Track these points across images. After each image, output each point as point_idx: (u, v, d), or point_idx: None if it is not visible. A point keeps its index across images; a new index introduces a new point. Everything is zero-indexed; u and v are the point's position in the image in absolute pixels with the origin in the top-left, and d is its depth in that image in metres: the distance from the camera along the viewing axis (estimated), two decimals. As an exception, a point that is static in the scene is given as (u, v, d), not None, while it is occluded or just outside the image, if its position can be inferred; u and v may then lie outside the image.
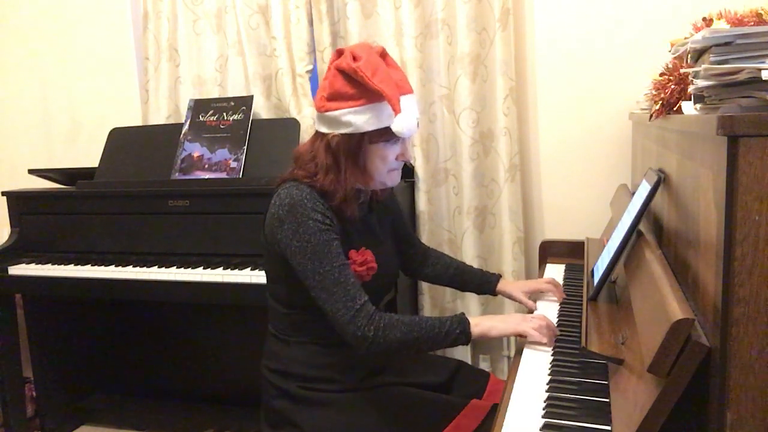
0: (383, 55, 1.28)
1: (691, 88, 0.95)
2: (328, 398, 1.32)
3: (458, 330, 1.24)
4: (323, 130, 1.29)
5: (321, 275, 1.21)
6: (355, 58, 1.22)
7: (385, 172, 1.31)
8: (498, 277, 1.61)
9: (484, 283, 1.61)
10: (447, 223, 2.25)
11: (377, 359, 1.38)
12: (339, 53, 1.27)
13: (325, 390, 1.32)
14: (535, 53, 2.16)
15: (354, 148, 1.26)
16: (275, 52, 2.32)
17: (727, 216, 0.76)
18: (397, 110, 1.19)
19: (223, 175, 2.17)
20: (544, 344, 1.26)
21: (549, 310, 1.50)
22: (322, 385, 1.33)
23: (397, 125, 1.20)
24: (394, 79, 1.23)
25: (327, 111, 1.26)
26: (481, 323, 1.27)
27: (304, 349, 1.35)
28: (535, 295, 1.59)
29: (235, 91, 2.42)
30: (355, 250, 1.31)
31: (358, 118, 1.23)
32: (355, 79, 1.21)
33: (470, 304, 2.24)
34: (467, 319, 1.26)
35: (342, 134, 1.25)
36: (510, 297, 1.58)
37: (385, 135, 1.25)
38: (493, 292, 1.61)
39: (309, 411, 1.31)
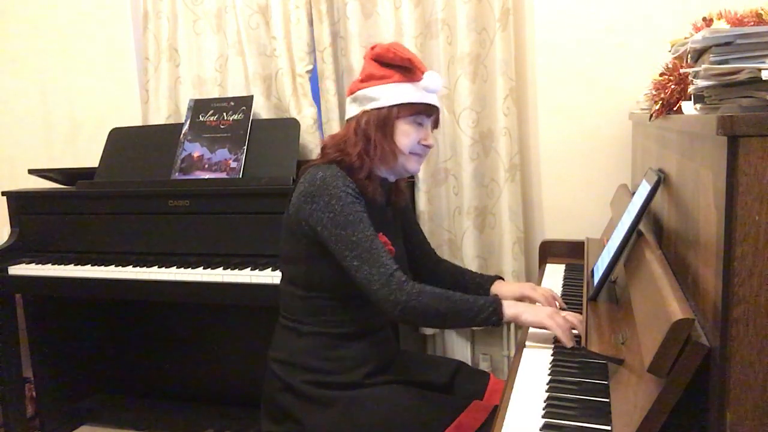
0: None
1: (691, 88, 0.95)
2: (331, 396, 1.32)
3: (491, 308, 1.25)
4: (353, 112, 1.39)
5: (354, 243, 1.25)
6: (388, 45, 1.37)
7: (407, 150, 1.38)
8: (494, 279, 1.60)
9: (479, 286, 1.59)
10: (447, 223, 2.25)
11: (410, 321, 1.37)
12: (373, 48, 1.40)
13: (329, 386, 1.33)
14: (535, 53, 2.16)
15: (383, 121, 1.35)
16: (275, 52, 2.32)
17: (727, 216, 0.75)
18: (424, 69, 1.36)
19: (223, 175, 2.17)
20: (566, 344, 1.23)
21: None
22: (326, 378, 1.33)
23: (426, 80, 1.36)
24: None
25: (359, 90, 1.38)
26: (513, 306, 1.28)
27: (313, 340, 1.36)
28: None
29: (235, 91, 2.42)
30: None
31: (387, 91, 1.35)
32: (387, 63, 1.36)
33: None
34: (501, 300, 1.27)
35: (372, 109, 1.36)
36: None
37: (412, 110, 1.36)
38: (487, 295, 1.57)
39: (311, 408, 1.32)
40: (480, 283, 1.59)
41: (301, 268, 1.37)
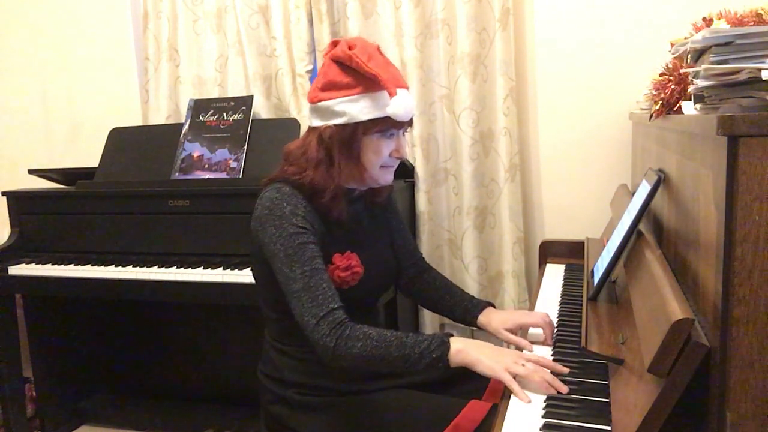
0: (379, 50, 1.27)
1: (691, 88, 0.95)
2: (325, 403, 1.31)
3: (435, 354, 1.12)
4: (316, 123, 1.26)
5: (291, 280, 1.17)
6: (350, 47, 1.22)
7: (377, 166, 1.27)
8: (485, 305, 1.44)
9: (466, 312, 1.45)
10: (447, 223, 2.25)
11: (348, 372, 1.28)
12: (334, 44, 1.26)
13: (322, 395, 1.31)
14: (535, 53, 2.16)
15: (348, 139, 1.23)
16: (275, 52, 2.32)
17: (727, 216, 0.75)
18: (392, 93, 1.17)
19: (223, 175, 2.17)
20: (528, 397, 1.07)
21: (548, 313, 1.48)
22: (319, 391, 1.32)
23: (393, 107, 1.18)
24: (390, 69, 1.24)
25: (320, 101, 1.24)
26: (465, 350, 1.13)
27: (297, 358, 1.32)
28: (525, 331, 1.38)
29: (235, 91, 2.42)
30: (339, 254, 1.28)
31: (353, 107, 1.21)
32: (350, 68, 1.21)
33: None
34: (449, 342, 1.14)
35: (335, 125, 1.23)
36: (490, 332, 1.40)
37: (380, 125, 1.22)
38: (475, 324, 1.43)
39: (306, 416, 1.31)
40: (468, 309, 1.45)
41: (270, 291, 1.29)
